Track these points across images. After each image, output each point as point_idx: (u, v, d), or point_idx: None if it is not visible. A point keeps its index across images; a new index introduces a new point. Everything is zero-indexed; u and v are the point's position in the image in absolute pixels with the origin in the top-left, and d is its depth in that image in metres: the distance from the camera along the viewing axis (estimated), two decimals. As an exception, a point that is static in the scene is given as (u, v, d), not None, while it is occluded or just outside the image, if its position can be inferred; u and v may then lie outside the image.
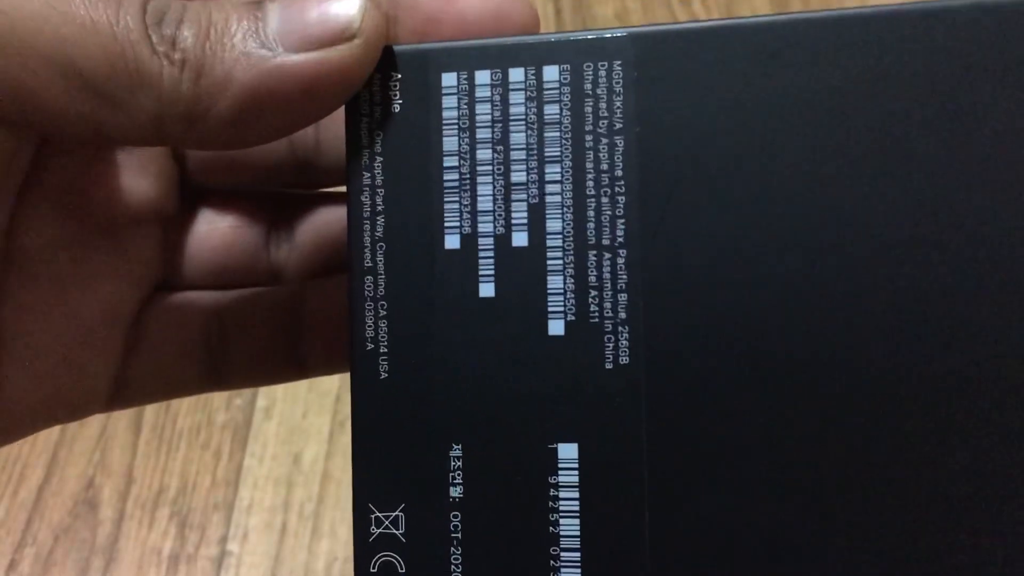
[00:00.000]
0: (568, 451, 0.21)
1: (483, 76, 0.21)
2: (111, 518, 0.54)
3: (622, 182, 0.21)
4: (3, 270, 0.23)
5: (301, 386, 0.57)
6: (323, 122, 0.26)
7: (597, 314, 0.21)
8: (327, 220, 0.29)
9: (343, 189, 0.27)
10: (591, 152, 0.21)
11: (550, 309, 0.21)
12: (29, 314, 0.24)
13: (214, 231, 0.28)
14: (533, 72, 0.21)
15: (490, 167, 0.21)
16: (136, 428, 0.57)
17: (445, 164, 0.21)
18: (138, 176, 0.26)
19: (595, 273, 0.21)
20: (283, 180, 0.28)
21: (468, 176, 0.21)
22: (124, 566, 0.52)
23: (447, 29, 0.23)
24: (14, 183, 0.23)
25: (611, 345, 0.21)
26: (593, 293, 0.21)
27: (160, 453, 0.56)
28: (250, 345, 0.28)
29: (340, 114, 0.23)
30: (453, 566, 0.21)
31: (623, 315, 0.21)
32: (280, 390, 0.57)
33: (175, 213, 0.27)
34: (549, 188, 0.21)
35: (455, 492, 0.21)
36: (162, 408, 0.57)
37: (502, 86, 0.21)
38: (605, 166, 0.21)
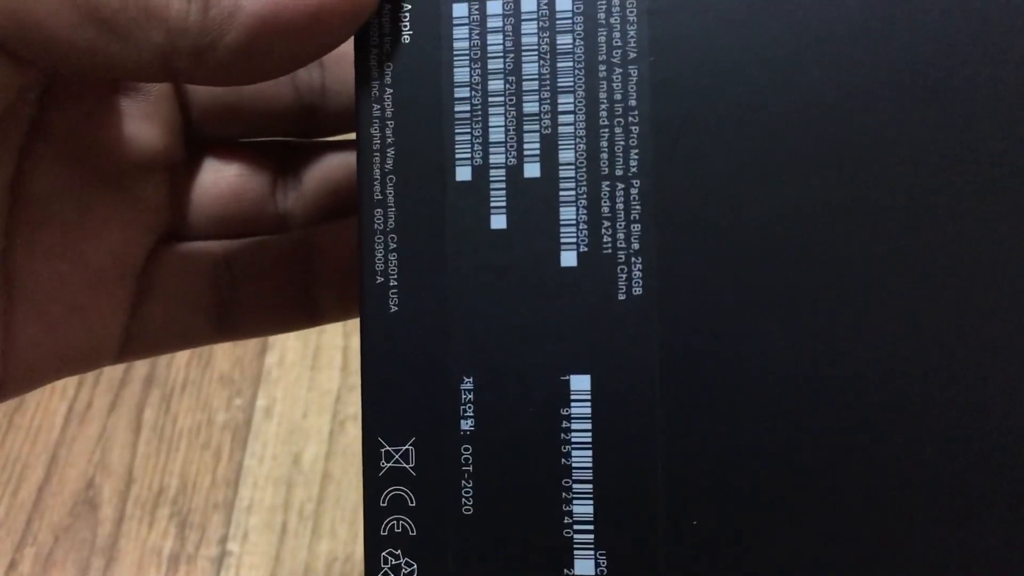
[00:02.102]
0: (581, 383, 0.21)
1: (495, 6, 0.21)
2: (111, 518, 0.53)
3: (636, 112, 0.20)
4: (12, 216, 0.23)
5: (301, 386, 0.57)
6: (329, 67, 0.26)
7: (610, 245, 0.20)
8: (333, 166, 0.28)
9: (348, 137, 0.27)
10: (604, 82, 0.20)
11: (562, 240, 0.21)
12: (38, 260, 0.24)
13: (221, 179, 0.28)
14: (546, 2, 0.21)
15: (502, 98, 0.21)
16: (136, 428, 0.56)
17: (456, 95, 0.21)
18: (143, 124, 0.26)
19: (608, 204, 0.20)
20: (289, 127, 0.28)
21: (479, 107, 0.21)
22: (124, 566, 0.52)
23: None
24: (20, 128, 0.23)
25: (624, 276, 0.20)
26: (606, 224, 0.20)
27: (160, 453, 0.56)
28: (260, 292, 0.27)
29: (347, 60, 0.22)
30: (464, 499, 0.21)
31: (636, 246, 0.20)
32: (280, 390, 0.57)
33: (181, 161, 0.27)
34: (562, 119, 0.21)
35: (466, 425, 0.21)
36: (162, 408, 0.57)
37: (514, 16, 0.21)
38: (619, 96, 0.20)
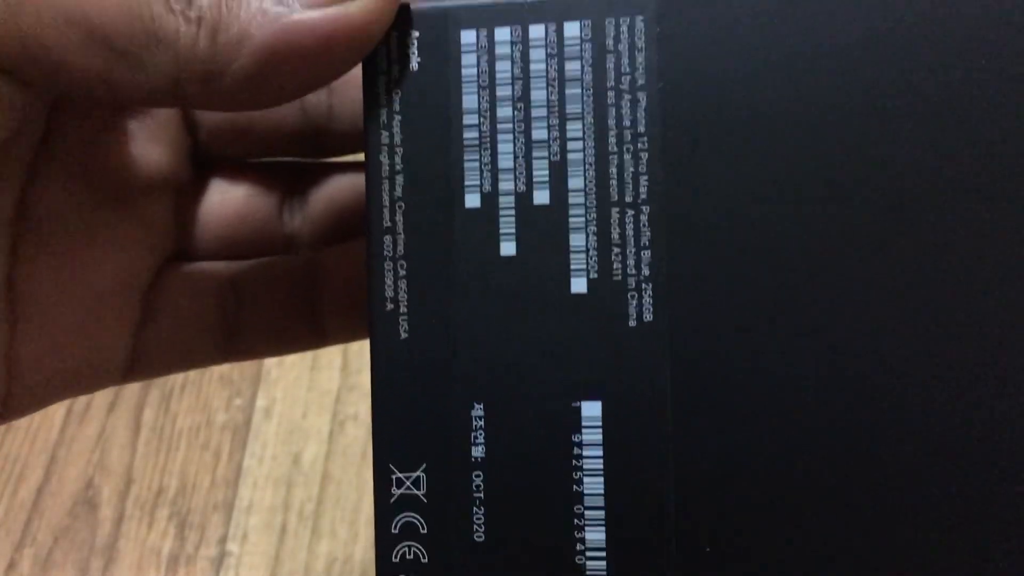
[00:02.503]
0: (592, 409, 0.21)
1: (503, 33, 0.21)
2: (110, 518, 0.53)
3: (645, 138, 0.20)
4: (18, 236, 0.23)
5: (301, 386, 0.57)
6: (337, 89, 0.26)
7: (620, 271, 0.21)
8: (340, 188, 0.29)
9: (355, 158, 0.27)
10: (613, 108, 0.21)
11: (572, 267, 0.21)
12: (44, 281, 0.24)
13: (227, 201, 0.28)
14: (554, 29, 0.21)
15: (511, 125, 0.21)
16: (136, 428, 0.56)
17: (465, 122, 0.21)
18: (151, 145, 0.26)
19: (618, 230, 0.21)
20: (296, 149, 0.28)
21: (488, 134, 0.21)
22: (124, 566, 0.52)
23: None
24: (28, 148, 0.23)
25: (635, 302, 0.21)
26: (616, 250, 0.21)
27: (160, 453, 0.56)
28: (267, 313, 0.27)
29: (355, 81, 0.22)
30: (476, 526, 0.21)
31: (647, 272, 0.20)
32: (280, 390, 0.57)
33: (188, 183, 0.27)
34: (571, 145, 0.21)
35: (477, 452, 0.21)
36: (162, 408, 0.57)
37: (522, 43, 0.21)
38: (628, 122, 0.21)
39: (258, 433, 0.55)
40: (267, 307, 0.27)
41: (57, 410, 0.57)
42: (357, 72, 0.22)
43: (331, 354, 0.57)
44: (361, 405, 0.53)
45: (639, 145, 0.20)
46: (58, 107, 0.23)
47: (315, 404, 0.56)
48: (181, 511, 0.53)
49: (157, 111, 0.26)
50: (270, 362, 0.58)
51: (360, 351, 0.56)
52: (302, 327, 0.28)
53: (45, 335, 0.24)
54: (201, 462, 0.55)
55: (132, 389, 0.57)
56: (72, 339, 0.25)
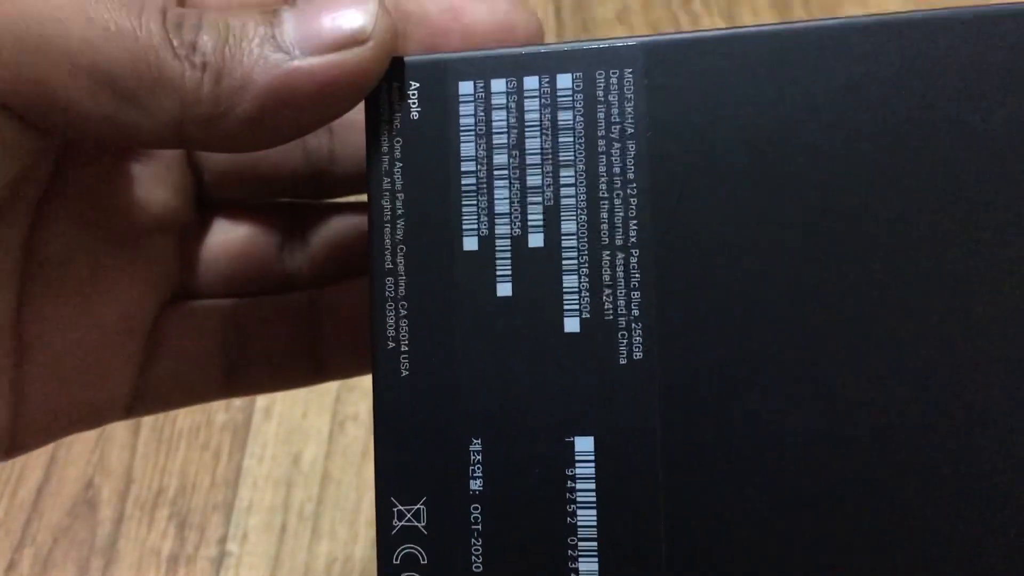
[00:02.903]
0: (584, 444, 0.22)
1: (499, 84, 0.22)
2: (110, 518, 0.54)
3: (634, 185, 0.22)
4: (25, 276, 0.24)
5: None
6: (338, 133, 0.27)
7: (611, 312, 0.22)
8: (340, 228, 0.30)
9: (355, 199, 0.28)
10: (604, 156, 0.22)
11: (566, 307, 0.22)
12: (50, 321, 0.25)
13: (229, 240, 0.29)
14: (547, 80, 0.22)
15: (506, 171, 0.22)
16: (135, 428, 0.57)
17: (463, 169, 0.22)
18: (155, 187, 0.27)
19: (609, 272, 0.22)
20: (297, 191, 0.29)
21: (485, 180, 0.22)
22: (123, 567, 0.52)
23: (454, 42, 0.24)
24: (35, 192, 0.24)
25: (625, 341, 0.22)
26: (607, 291, 0.22)
27: (159, 453, 0.56)
28: (268, 351, 0.29)
29: (355, 126, 0.24)
30: (474, 557, 0.22)
31: (636, 312, 0.22)
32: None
33: (191, 223, 0.28)
34: (564, 191, 0.22)
35: (475, 485, 0.22)
36: (161, 408, 0.58)
37: (517, 93, 0.22)
38: (617, 169, 0.22)
39: (258, 433, 0.56)
40: (268, 344, 0.29)
41: None
42: (357, 117, 0.23)
43: None
44: (361, 405, 0.54)
45: (628, 191, 0.22)
46: (65, 150, 0.25)
47: (315, 404, 0.56)
48: (181, 511, 0.54)
49: (161, 154, 0.27)
50: None
51: (359, 351, 0.57)
52: (303, 363, 0.29)
53: (51, 373, 0.25)
54: (201, 462, 0.56)
55: None
56: (78, 377, 0.26)
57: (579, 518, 0.22)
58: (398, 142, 0.22)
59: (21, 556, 0.53)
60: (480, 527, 0.22)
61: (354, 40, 0.21)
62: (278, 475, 0.55)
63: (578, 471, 0.22)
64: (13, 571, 0.53)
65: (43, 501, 0.55)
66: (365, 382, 0.55)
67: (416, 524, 0.22)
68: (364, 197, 0.24)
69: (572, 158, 0.22)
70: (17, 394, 0.25)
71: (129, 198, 0.26)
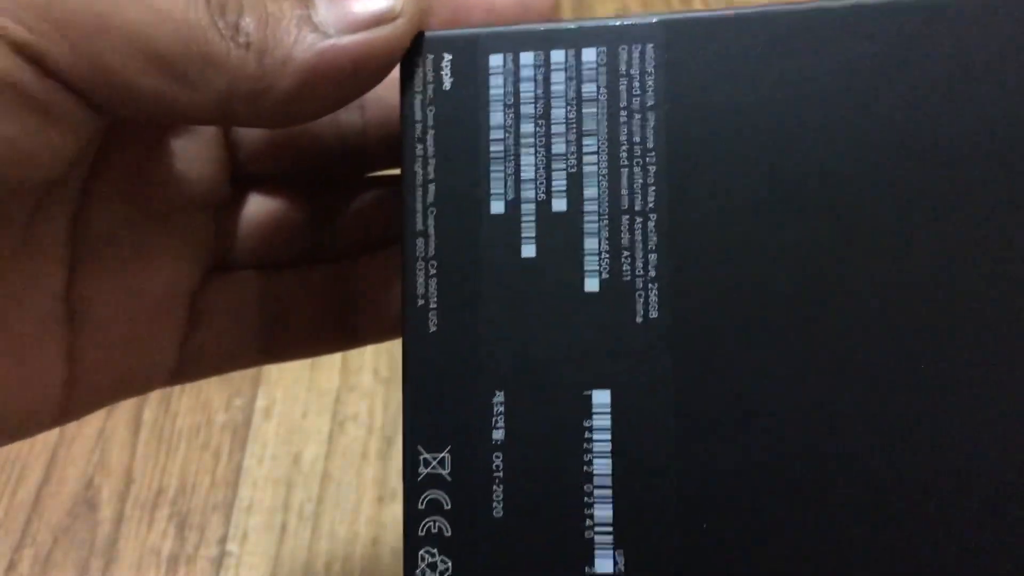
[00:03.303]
0: (601, 397, 0.24)
1: (527, 57, 0.24)
2: (110, 518, 0.54)
3: (653, 153, 0.23)
4: (75, 252, 0.26)
5: (301, 386, 0.58)
6: (369, 109, 0.29)
7: (629, 273, 0.23)
8: (370, 201, 0.32)
9: (386, 173, 0.30)
10: (625, 126, 0.23)
11: (586, 268, 0.24)
12: (99, 293, 0.27)
13: (264, 215, 0.31)
14: (573, 54, 0.24)
15: (532, 139, 0.24)
16: (135, 428, 0.58)
17: (491, 137, 0.24)
18: (194, 164, 0.29)
19: (627, 235, 0.23)
20: (330, 167, 0.31)
21: (512, 147, 0.24)
22: (123, 567, 0.53)
23: (476, 17, 0.26)
24: (83, 169, 0.26)
25: (641, 301, 0.23)
26: (625, 253, 0.23)
27: (159, 453, 0.57)
28: (304, 319, 0.31)
29: (385, 102, 0.25)
30: (495, 503, 0.24)
31: (652, 273, 0.23)
32: (280, 390, 0.58)
33: (228, 198, 0.30)
34: (586, 159, 0.24)
35: (497, 435, 0.24)
36: (162, 408, 0.58)
37: (544, 66, 0.24)
38: (637, 139, 0.23)
39: (258, 433, 0.57)
40: (303, 312, 0.30)
41: None
42: (386, 94, 0.25)
43: (331, 354, 0.58)
44: (361, 405, 0.55)
45: (647, 159, 0.23)
46: (109, 130, 0.26)
47: (315, 404, 0.57)
48: (181, 511, 0.55)
49: (199, 132, 0.29)
50: None
51: (359, 352, 0.57)
52: (336, 330, 0.31)
53: (102, 342, 0.27)
54: (201, 462, 0.56)
55: None
56: (126, 346, 0.28)
57: (595, 467, 0.23)
58: (431, 111, 0.24)
59: (21, 556, 0.54)
60: (501, 475, 0.24)
61: (384, 19, 0.23)
62: (278, 475, 0.56)
63: (595, 423, 0.23)
64: (13, 571, 0.53)
65: (43, 501, 0.56)
66: (365, 383, 0.56)
67: (441, 471, 0.24)
68: (393, 172, 0.26)
69: (595, 128, 0.24)
70: (71, 362, 0.26)
71: (170, 175, 0.28)
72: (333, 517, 0.54)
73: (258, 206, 0.31)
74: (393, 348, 0.55)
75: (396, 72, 0.24)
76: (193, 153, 0.29)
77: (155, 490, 0.56)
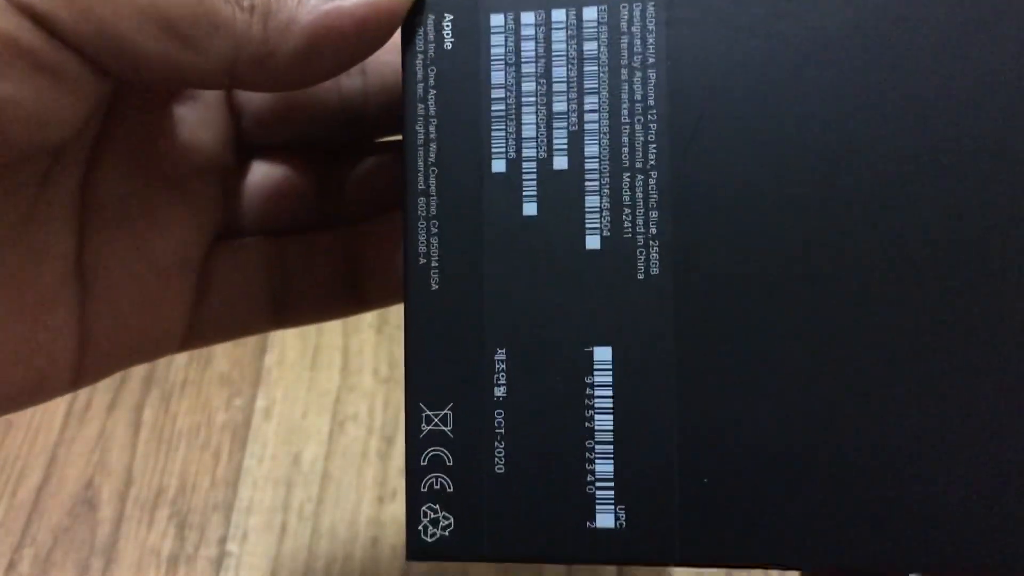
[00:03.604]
0: (603, 354, 0.24)
1: (528, 17, 0.24)
2: (110, 518, 0.55)
3: (654, 111, 0.24)
4: (84, 218, 0.27)
5: (301, 386, 0.59)
6: (370, 75, 0.30)
7: (630, 230, 0.24)
8: (372, 166, 0.32)
9: (390, 140, 0.30)
10: (626, 84, 0.24)
11: (587, 226, 0.24)
12: (109, 260, 0.27)
13: (269, 181, 0.31)
14: (574, 12, 0.24)
15: (534, 98, 0.24)
16: (135, 428, 0.58)
17: (493, 96, 0.24)
18: (198, 131, 0.29)
19: (629, 193, 0.24)
20: (332, 134, 0.32)
21: (514, 107, 0.24)
22: (123, 567, 0.53)
23: None
24: (90, 136, 0.26)
25: (643, 258, 0.24)
26: (627, 211, 0.24)
27: (159, 453, 0.57)
28: (311, 284, 0.31)
29: (386, 68, 0.26)
30: (496, 458, 0.24)
31: (654, 231, 0.24)
32: (280, 390, 0.58)
33: (233, 165, 0.31)
34: (587, 117, 0.24)
35: (499, 392, 0.24)
36: (162, 408, 0.59)
37: (545, 25, 0.24)
38: (639, 97, 0.24)
39: (258, 433, 0.57)
40: (310, 277, 0.31)
41: (57, 410, 0.58)
42: (388, 59, 0.25)
43: (331, 354, 0.58)
44: (361, 405, 0.55)
45: (649, 117, 0.24)
46: (116, 98, 0.27)
47: (315, 404, 0.57)
48: (181, 511, 0.55)
49: (203, 99, 0.29)
50: (270, 362, 0.59)
51: (359, 352, 0.58)
52: (343, 294, 0.31)
53: (113, 309, 0.27)
54: (201, 462, 0.57)
55: (132, 389, 0.59)
56: (137, 312, 0.28)
57: (596, 423, 0.24)
58: (432, 70, 0.24)
59: (21, 556, 0.54)
60: (503, 431, 0.24)
61: None
62: (278, 475, 0.56)
63: (596, 379, 0.24)
64: (13, 571, 0.54)
65: (43, 501, 0.56)
66: (365, 383, 0.56)
67: (443, 428, 0.24)
68: (396, 138, 0.26)
69: (596, 86, 0.24)
70: (83, 328, 0.27)
71: (175, 141, 0.29)
72: (333, 517, 0.54)
73: (263, 172, 0.31)
74: (393, 348, 0.56)
75: (397, 36, 0.24)
76: (197, 119, 0.29)
77: (155, 490, 0.56)
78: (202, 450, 0.57)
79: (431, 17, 0.24)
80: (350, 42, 0.23)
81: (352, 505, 0.54)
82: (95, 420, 0.59)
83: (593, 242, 0.24)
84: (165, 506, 0.55)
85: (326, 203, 0.32)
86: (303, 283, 0.31)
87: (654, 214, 0.24)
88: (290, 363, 0.59)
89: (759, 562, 0.23)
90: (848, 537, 0.23)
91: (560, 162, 0.24)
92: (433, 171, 0.24)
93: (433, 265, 0.24)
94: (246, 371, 0.59)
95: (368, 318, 0.55)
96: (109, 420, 0.59)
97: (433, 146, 0.24)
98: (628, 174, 0.24)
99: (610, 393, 0.24)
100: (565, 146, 0.24)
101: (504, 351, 0.24)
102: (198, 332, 0.30)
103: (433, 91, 0.24)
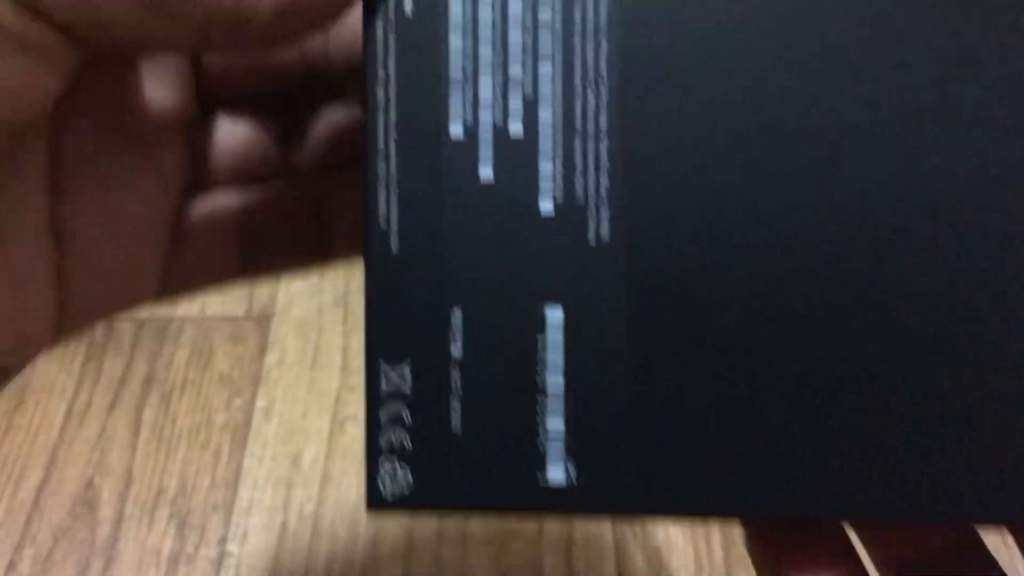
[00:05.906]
0: (555, 314, 0.25)
1: None
2: (110, 519, 0.56)
3: (605, 78, 0.25)
4: (54, 179, 0.28)
5: (301, 386, 0.60)
6: (332, 34, 0.31)
7: (583, 195, 0.25)
8: (335, 119, 0.33)
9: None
10: (579, 52, 0.25)
11: (541, 190, 0.25)
12: (82, 215, 0.28)
13: (234, 133, 0.32)
14: None
15: (490, 64, 0.25)
16: (135, 428, 0.59)
17: (450, 61, 0.25)
18: (161, 88, 0.30)
19: (581, 159, 0.25)
20: (295, 89, 0.33)
21: (471, 72, 0.25)
22: (123, 567, 0.54)
23: None
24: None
25: (594, 223, 0.25)
26: (579, 177, 0.25)
27: (159, 453, 0.58)
28: (279, 235, 0.32)
29: (348, 27, 0.27)
30: (453, 415, 0.25)
31: (605, 196, 0.25)
32: (280, 390, 0.60)
33: (197, 119, 0.32)
34: (542, 83, 0.25)
35: (455, 351, 0.25)
36: (162, 408, 0.60)
37: None
38: (591, 64, 0.25)
39: (258, 433, 0.58)
40: (278, 229, 0.32)
41: (57, 410, 0.60)
42: (351, 20, 0.26)
43: (331, 354, 0.60)
44: (361, 405, 0.55)
45: (599, 84, 0.25)
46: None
47: (315, 404, 0.59)
48: (181, 511, 0.56)
49: (167, 57, 0.31)
50: (270, 362, 0.60)
51: (359, 351, 0.59)
52: (312, 246, 0.33)
53: (89, 264, 0.29)
54: (201, 462, 0.58)
55: (132, 389, 0.60)
56: (113, 265, 0.29)
57: (548, 380, 0.25)
58: (392, 36, 0.25)
59: (21, 556, 0.55)
60: (460, 388, 0.25)
61: None
62: (278, 475, 0.57)
63: (548, 337, 0.25)
64: (13, 571, 0.55)
65: (43, 501, 0.57)
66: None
67: (401, 386, 0.25)
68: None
69: (551, 53, 0.25)
70: (61, 282, 0.28)
71: (137, 97, 0.30)
72: (333, 517, 0.55)
73: (228, 125, 0.32)
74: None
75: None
76: (158, 76, 0.30)
77: (155, 490, 0.57)
78: (202, 450, 0.59)
79: None
80: (318, 8, 0.24)
81: (352, 505, 0.55)
82: (95, 420, 0.60)
83: (546, 206, 0.25)
84: (165, 506, 0.57)
85: (292, 154, 0.33)
86: (272, 234, 0.32)
87: (605, 179, 0.25)
88: (290, 363, 0.61)
89: (703, 512, 0.24)
90: (790, 487, 0.24)
91: (515, 127, 0.25)
92: (392, 135, 0.25)
93: (393, 228, 0.25)
94: (246, 371, 0.61)
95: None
96: (109, 420, 0.60)
97: (392, 110, 0.25)
98: (580, 140, 0.25)
99: (561, 352, 0.25)
100: (520, 112, 0.25)
101: (460, 311, 0.25)
102: (172, 283, 0.31)
103: (393, 56, 0.25)
